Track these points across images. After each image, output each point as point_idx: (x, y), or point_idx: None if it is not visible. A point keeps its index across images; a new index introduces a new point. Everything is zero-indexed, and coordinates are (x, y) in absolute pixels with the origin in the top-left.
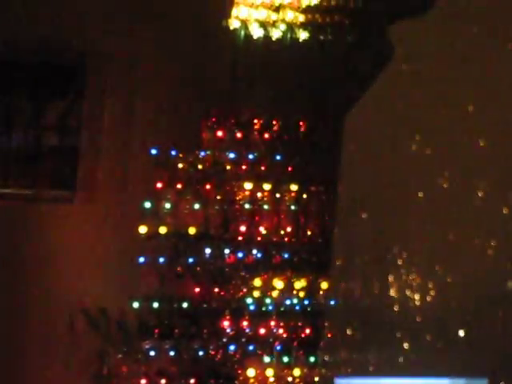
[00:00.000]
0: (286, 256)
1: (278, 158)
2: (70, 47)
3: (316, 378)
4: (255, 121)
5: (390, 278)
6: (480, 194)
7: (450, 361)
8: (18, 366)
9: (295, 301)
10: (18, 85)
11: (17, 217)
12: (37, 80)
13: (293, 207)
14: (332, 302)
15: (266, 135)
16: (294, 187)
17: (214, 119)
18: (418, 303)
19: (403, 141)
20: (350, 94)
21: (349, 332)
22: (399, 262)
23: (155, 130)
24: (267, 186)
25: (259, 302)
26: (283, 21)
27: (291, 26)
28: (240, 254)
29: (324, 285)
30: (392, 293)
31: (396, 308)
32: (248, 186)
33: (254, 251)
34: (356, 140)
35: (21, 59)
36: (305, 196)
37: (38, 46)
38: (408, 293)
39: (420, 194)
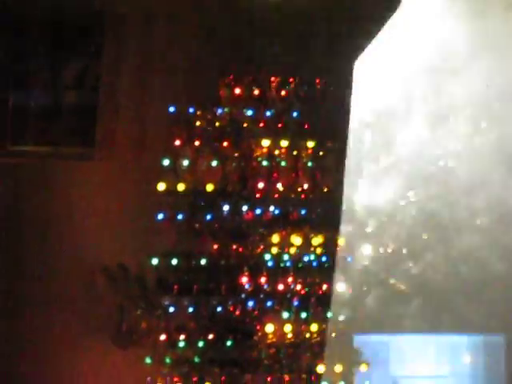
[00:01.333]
0: (303, 212)
1: (295, 114)
2: (88, 7)
3: (333, 334)
4: (272, 78)
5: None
6: None
7: (467, 318)
8: (40, 322)
9: (312, 257)
10: (37, 44)
11: (36, 174)
12: (56, 39)
13: (309, 164)
14: (349, 259)
15: (283, 92)
16: (310, 144)
17: (231, 77)
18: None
19: None
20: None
21: (365, 289)
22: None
23: (173, 88)
24: (284, 143)
25: (277, 258)
26: None
27: None
28: (258, 211)
29: (341, 241)
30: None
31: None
32: (265, 142)
33: (272, 208)
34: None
35: (40, 19)
36: (321, 153)
37: (57, 7)
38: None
39: None
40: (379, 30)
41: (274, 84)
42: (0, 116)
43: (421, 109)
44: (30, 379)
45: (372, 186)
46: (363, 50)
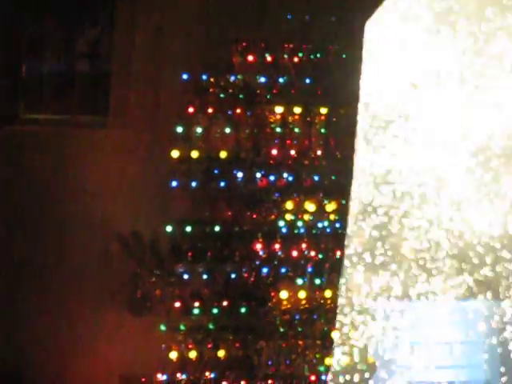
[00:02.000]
0: (317, 179)
1: (308, 81)
2: None
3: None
4: (285, 45)
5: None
6: None
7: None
8: (54, 290)
9: (326, 223)
10: (50, 12)
11: (49, 142)
12: (68, 8)
13: (323, 130)
14: (363, 225)
15: (296, 59)
16: (323, 110)
17: (244, 44)
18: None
19: None
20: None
21: (378, 255)
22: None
23: (186, 56)
24: (297, 110)
25: (291, 224)
26: None
27: None
28: (271, 178)
29: (353, 207)
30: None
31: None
32: (279, 109)
33: (285, 174)
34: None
35: None
36: (334, 119)
37: None
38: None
39: None
40: None
41: (286, 50)
42: (12, 84)
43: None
44: (45, 348)
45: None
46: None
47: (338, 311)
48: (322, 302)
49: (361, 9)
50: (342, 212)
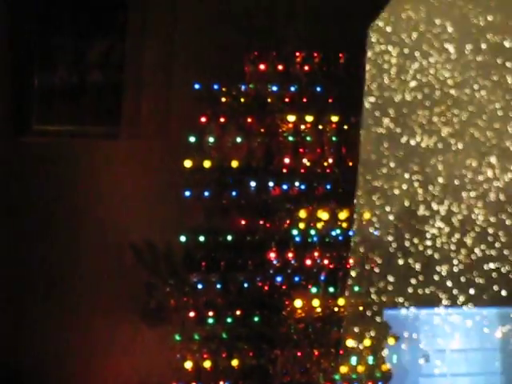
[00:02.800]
0: (329, 187)
1: (319, 89)
2: None
3: (360, 308)
4: (296, 53)
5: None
6: None
7: (498, 291)
8: (67, 300)
9: (339, 231)
10: (62, 22)
11: (62, 153)
12: (80, 17)
13: (334, 138)
14: (376, 233)
15: (306, 67)
16: (334, 118)
17: (256, 53)
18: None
19: None
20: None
21: (393, 262)
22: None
23: (197, 65)
24: (309, 118)
25: (304, 233)
26: None
27: None
28: (284, 186)
29: (366, 215)
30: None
31: (441, 238)
32: (291, 118)
33: (298, 183)
34: None
35: None
36: (345, 127)
37: None
38: (453, 221)
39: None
40: None
41: (297, 59)
42: (25, 95)
43: None
44: (58, 359)
45: None
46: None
47: (352, 319)
48: (335, 310)
49: (363, 14)
50: (355, 220)
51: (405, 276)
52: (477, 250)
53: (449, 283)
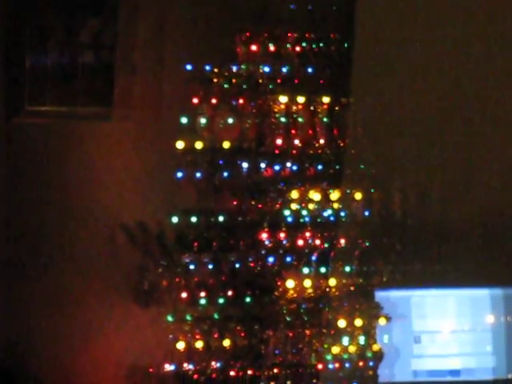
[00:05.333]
0: (321, 168)
1: (310, 70)
2: None
3: (351, 288)
4: (288, 34)
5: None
6: None
7: (490, 271)
8: (59, 281)
9: (330, 212)
10: (53, 3)
11: (54, 134)
12: None
13: (325, 119)
14: (366, 213)
15: (298, 48)
16: (326, 99)
17: (248, 33)
18: (455, 214)
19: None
20: None
21: (385, 242)
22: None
23: (189, 46)
24: (301, 99)
25: (296, 213)
26: None
27: None
28: (276, 167)
29: (358, 195)
30: (428, 203)
31: (433, 218)
32: (283, 99)
33: (290, 164)
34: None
35: None
36: (337, 108)
37: None
38: (445, 203)
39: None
40: None
41: (289, 40)
42: (16, 76)
43: None
44: (51, 338)
45: None
46: None
47: (344, 299)
48: (327, 290)
49: None
50: (346, 200)
51: (396, 256)
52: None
53: (439, 264)
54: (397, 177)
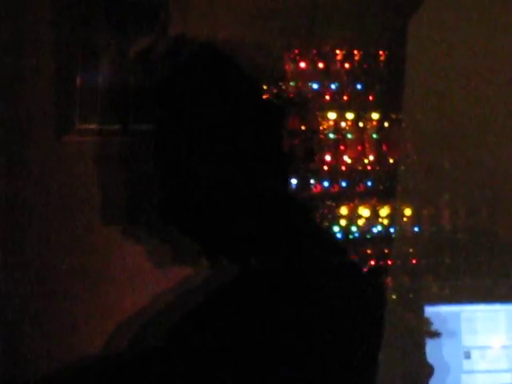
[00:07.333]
0: (370, 184)
1: (359, 87)
2: None
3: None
4: (337, 51)
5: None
6: None
7: None
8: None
9: (380, 228)
10: (104, 22)
11: (105, 151)
12: (122, 17)
13: (375, 135)
14: (416, 229)
15: (347, 65)
16: (375, 116)
17: (296, 51)
18: (506, 228)
19: None
20: None
21: (435, 257)
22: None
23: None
24: (350, 116)
25: (346, 230)
26: None
27: None
28: (325, 184)
29: (407, 211)
30: (479, 217)
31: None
32: (331, 115)
33: (339, 180)
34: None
35: None
36: (386, 124)
37: None
38: (496, 217)
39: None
40: None
41: (338, 57)
42: (68, 94)
43: None
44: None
45: None
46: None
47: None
48: None
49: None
50: (396, 216)
51: (446, 271)
52: None
53: (490, 278)
54: (446, 191)
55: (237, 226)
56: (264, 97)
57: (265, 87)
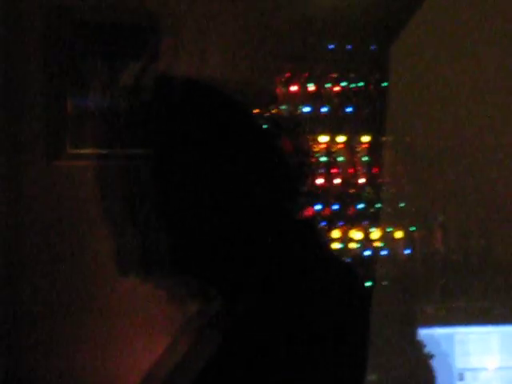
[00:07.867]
0: (361, 206)
1: (350, 109)
2: (144, 7)
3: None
4: (328, 74)
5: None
6: None
7: None
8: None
9: (371, 251)
10: (94, 45)
11: (96, 176)
12: (112, 41)
13: (365, 158)
14: (407, 251)
15: (337, 88)
16: (365, 138)
17: (287, 74)
18: (499, 249)
19: None
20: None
21: (427, 279)
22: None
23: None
24: (341, 138)
25: (338, 252)
26: None
27: None
28: (317, 207)
29: (398, 234)
30: (471, 238)
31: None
32: (323, 138)
33: (331, 203)
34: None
35: (95, 21)
36: (377, 146)
37: (111, 7)
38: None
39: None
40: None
41: (329, 80)
42: (59, 119)
43: None
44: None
45: None
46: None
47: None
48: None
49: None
50: (388, 239)
51: (439, 293)
52: None
53: (483, 300)
54: (438, 213)
55: (253, 262)
56: (257, 123)
57: (256, 111)
